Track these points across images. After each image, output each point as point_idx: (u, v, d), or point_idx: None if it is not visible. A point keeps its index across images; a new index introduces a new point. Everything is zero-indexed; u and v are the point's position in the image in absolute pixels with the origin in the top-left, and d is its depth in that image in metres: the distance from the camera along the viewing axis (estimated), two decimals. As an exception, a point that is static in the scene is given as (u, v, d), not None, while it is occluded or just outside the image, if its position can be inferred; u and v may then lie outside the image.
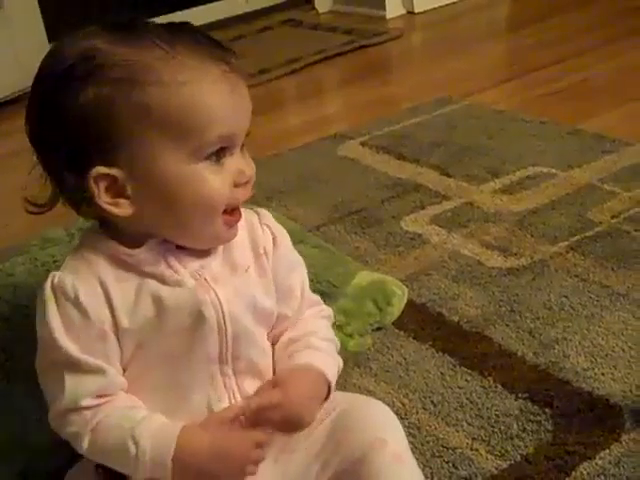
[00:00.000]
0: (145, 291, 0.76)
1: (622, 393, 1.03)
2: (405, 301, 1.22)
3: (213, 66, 0.74)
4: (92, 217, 0.80)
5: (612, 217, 1.43)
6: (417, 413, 1.04)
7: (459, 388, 1.07)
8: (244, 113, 0.76)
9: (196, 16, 2.92)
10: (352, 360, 1.12)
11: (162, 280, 0.76)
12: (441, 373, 1.10)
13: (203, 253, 0.79)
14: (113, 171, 0.73)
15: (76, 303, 0.74)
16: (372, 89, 2.28)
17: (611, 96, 1.96)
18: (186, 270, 0.77)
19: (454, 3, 2.97)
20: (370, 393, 1.07)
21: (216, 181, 0.74)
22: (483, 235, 1.42)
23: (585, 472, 0.92)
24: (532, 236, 1.40)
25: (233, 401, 0.80)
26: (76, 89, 0.72)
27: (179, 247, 0.78)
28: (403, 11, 2.94)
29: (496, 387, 1.06)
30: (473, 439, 0.99)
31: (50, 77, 0.74)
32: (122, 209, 0.74)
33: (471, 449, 0.97)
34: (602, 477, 0.91)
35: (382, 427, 0.83)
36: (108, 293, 0.75)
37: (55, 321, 0.74)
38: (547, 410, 1.01)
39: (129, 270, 0.76)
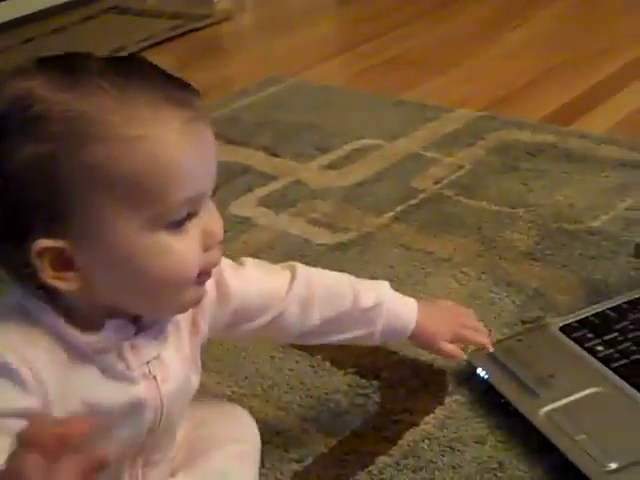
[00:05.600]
0: (82, 383, 0.65)
1: (445, 356, 1.05)
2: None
3: (173, 114, 0.62)
4: (34, 289, 0.66)
5: (434, 183, 1.46)
6: (247, 400, 1.02)
7: (289, 370, 1.06)
8: (211, 168, 0.65)
9: (12, 8, 2.77)
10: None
11: (109, 373, 0.67)
12: (271, 357, 1.09)
13: (161, 335, 0.70)
14: (59, 243, 0.61)
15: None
16: (204, 73, 2.23)
17: (430, 66, 2.00)
18: (138, 364, 0.68)
19: (282, -19, 2.95)
20: (202, 386, 1.05)
21: (182, 250, 0.64)
22: (310, 213, 1.42)
23: (410, 438, 0.93)
24: (359, 209, 1.41)
25: None
26: (11, 145, 0.59)
27: (138, 331, 0.69)
28: (231, -8, 2.90)
29: (325, 365, 1.06)
30: (304, 420, 0.98)
31: None
32: (68, 283, 0.63)
33: (302, 430, 0.97)
34: (427, 442, 0.92)
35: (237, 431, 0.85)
36: (42, 382, 0.63)
37: None
38: (375, 382, 1.02)
39: (72, 355, 0.65)
